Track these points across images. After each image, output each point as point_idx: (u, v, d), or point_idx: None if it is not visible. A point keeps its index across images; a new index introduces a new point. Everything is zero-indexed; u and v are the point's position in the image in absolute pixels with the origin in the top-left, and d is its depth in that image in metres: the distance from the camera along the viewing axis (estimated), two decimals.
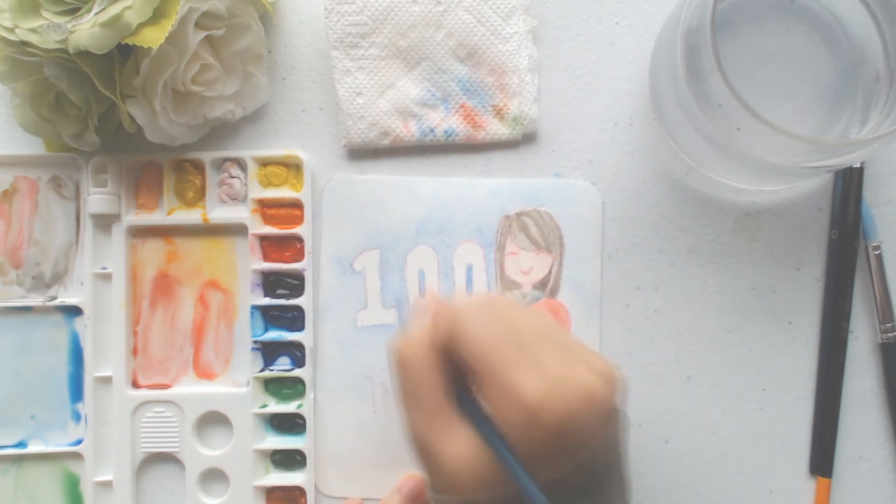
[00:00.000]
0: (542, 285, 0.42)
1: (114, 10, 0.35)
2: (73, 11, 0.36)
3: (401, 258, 0.42)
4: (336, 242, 0.42)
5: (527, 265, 0.42)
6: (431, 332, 0.30)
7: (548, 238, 0.42)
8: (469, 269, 0.42)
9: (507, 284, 0.42)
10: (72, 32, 0.35)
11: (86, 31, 0.34)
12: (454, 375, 0.30)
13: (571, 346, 0.30)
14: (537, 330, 0.29)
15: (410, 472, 0.41)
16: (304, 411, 0.42)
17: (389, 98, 0.42)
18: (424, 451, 0.30)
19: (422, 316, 0.31)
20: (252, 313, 0.42)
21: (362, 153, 0.43)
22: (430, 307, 0.31)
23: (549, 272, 0.42)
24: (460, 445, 0.29)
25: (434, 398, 0.29)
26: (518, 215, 0.42)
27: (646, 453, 0.41)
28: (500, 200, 0.42)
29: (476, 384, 0.29)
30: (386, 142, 0.42)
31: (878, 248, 0.41)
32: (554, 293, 0.42)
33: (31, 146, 0.43)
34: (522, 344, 0.28)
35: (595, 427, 0.28)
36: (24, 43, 0.35)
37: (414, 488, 0.40)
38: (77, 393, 0.43)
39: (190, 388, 0.42)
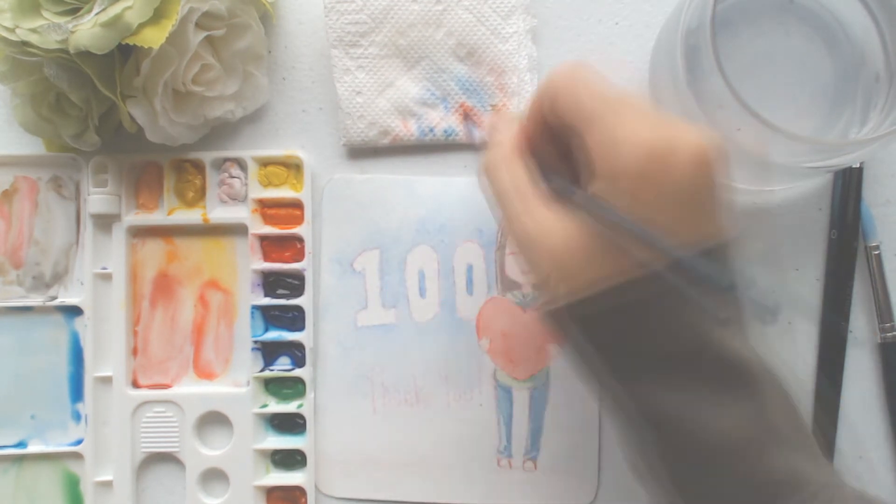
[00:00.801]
0: None
1: (114, 10, 0.35)
2: (73, 11, 0.36)
3: (401, 258, 0.42)
4: (336, 242, 0.42)
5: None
6: (520, 136, 0.32)
7: None
8: (469, 269, 0.42)
9: (508, 285, 0.42)
10: (72, 32, 0.35)
11: (86, 31, 0.34)
12: (546, 171, 0.31)
13: (671, 115, 0.29)
14: (637, 94, 0.29)
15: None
16: (304, 411, 0.42)
17: (389, 97, 0.42)
18: (532, 246, 0.29)
19: (498, 130, 0.33)
20: (252, 313, 0.42)
21: (362, 153, 0.43)
22: (504, 119, 0.33)
23: None
24: (568, 228, 0.28)
25: (531, 190, 0.30)
26: None
27: None
28: None
29: (581, 146, 0.29)
30: (385, 141, 0.42)
31: (877, 248, 0.41)
32: None
33: (31, 146, 0.43)
34: (629, 99, 0.28)
35: (705, 189, 0.27)
36: (25, 43, 0.35)
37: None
38: (77, 393, 0.43)
39: (190, 388, 0.42)
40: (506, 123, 0.33)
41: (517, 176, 0.30)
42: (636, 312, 0.28)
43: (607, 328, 0.28)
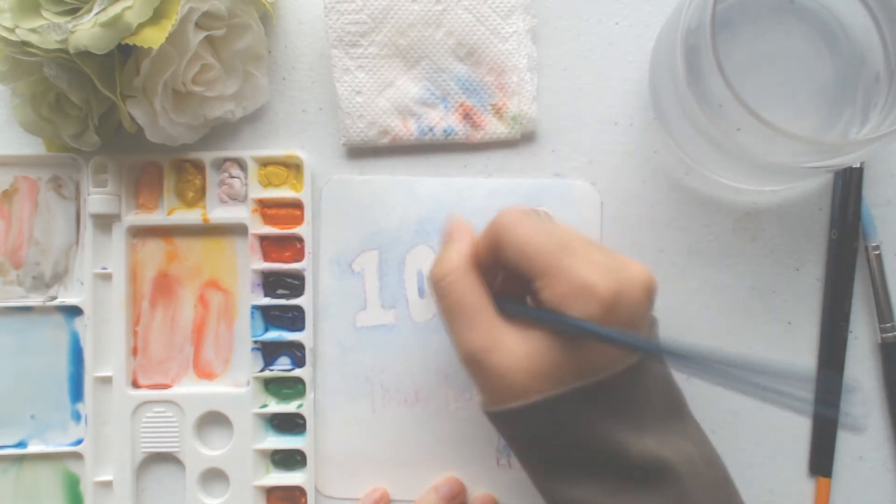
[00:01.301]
0: None
1: (114, 10, 0.35)
2: (73, 11, 0.36)
3: (400, 258, 0.42)
4: (335, 243, 0.42)
5: None
6: (473, 250, 0.33)
7: None
8: None
9: None
10: (72, 32, 0.35)
11: (86, 31, 0.34)
12: (493, 289, 0.33)
13: (609, 250, 0.32)
14: (580, 236, 0.32)
15: (449, 475, 0.41)
16: (304, 411, 0.42)
17: (389, 97, 0.42)
18: (480, 365, 0.31)
19: (453, 241, 0.34)
20: (252, 313, 0.42)
21: (362, 153, 0.43)
22: (460, 230, 0.34)
23: None
24: (515, 348, 0.31)
25: (482, 312, 0.32)
26: None
27: None
28: (500, 200, 0.42)
29: (534, 287, 0.31)
30: (385, 141, 0.42)
31: (877, 248, 0.41)
32: None
33: (31, 146, 0.43)
34: (574, 245, 0.31)
35: (647, 312, 0.31)
36: (25, 43, 0.35)
37: (451, 489, 0.40)
38: (77, 393, 0.43)
39: (190, 388, 0.42)
40: (460, 233, 0.34)
41: (468, 291, 0.32)
42: (556, 424, 0.31)
43: (529, 434, 0.32)
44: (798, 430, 0.41)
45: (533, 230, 0.31)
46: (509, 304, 0.33)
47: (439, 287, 0.33)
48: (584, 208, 0.42)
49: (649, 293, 0.31)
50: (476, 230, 0.34)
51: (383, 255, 0.42)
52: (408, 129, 0.42)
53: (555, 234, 0.31)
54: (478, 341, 0.31)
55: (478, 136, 0.42)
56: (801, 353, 0.41)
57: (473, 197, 0.42)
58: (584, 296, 0.29)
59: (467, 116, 0.42)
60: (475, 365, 0.31)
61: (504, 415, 0.31)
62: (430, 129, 0.42)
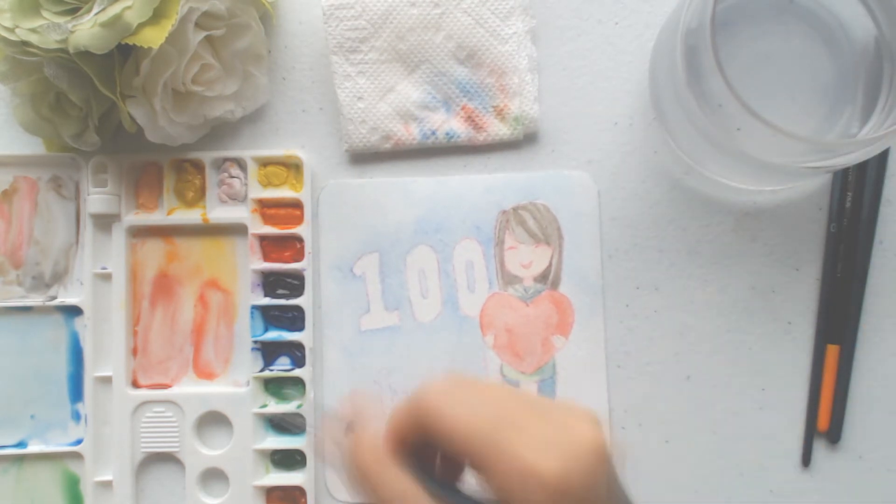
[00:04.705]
0: (542, 278, 0.42)
1: (114, 10, 0.35)
2: (73, 11, 0.36)
3: (400, 260, 0.42)
4: (335, 248, 0.42)
5: (527, 259, 0.42)
6: (390, 432, 0.28)
7: (546, 230, 0.42)
8: (469, 266, 0.42)
9: (509, 279, 0.42)
10: (72, 32, 0.35)
11: (86, 31, 0.34)
12: (419, 469, 0.28)
13: (549, 405, 0.29)
14: (515, 401, 0.28)
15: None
16: (303, 411, 0.42)
17: (390, 101, 0.42)
18: None
19: (362, 426, 0.29)
20: (252, 313, 0.42)
21: (363, 156, 0.43)
22: (365, 412, 0.30)
23: (550, 264, 0.42)
24: None
25: (410, 499, 0.28)
26: (515, 209, 0.42)
27: (646, 453, 0.41)
28: (497, 196, 0.42)
29: (472, 469, 0.28)
30: (388, 145, 0.42)
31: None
32: (555, 285, 0.42)
33: (31, 146, 0.43)
34: (511, 418, 0.27)
35: (610, 476, 0.28)
36: (25, 43, 0.35)
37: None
38: (77, 393, 0.43)
39: (190, 388, 0.42)
40: (367, 415, 0.30)
41: (396, 481, 0.28)
42: None
43: None
44: (798, 429, 0.41)
45: (461, 411, 0.27)
46: (448, 493, 0.28)
47: (363, 478, 0.28)
48: (580, 198, 0.42)
49: (600, 458, 0.27)
50: (385, 405, 0.30)
51: (384, 257, 0.42)
52: (410, 134, 0.42)
53: (487, 410, 0.27)
54: None
55: (480, 138, 0.42)
56: (801, 353, 0.41)
57: (469, 194, 0.42)
58: (528, 484, 0.26)
59: (469, 119, 0.42)
60: None
61: None
62: (433, 133, 0.42)
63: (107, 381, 0.42)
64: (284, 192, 0.42)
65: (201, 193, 0.42)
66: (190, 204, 0.42)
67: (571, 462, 0.26)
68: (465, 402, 0.28)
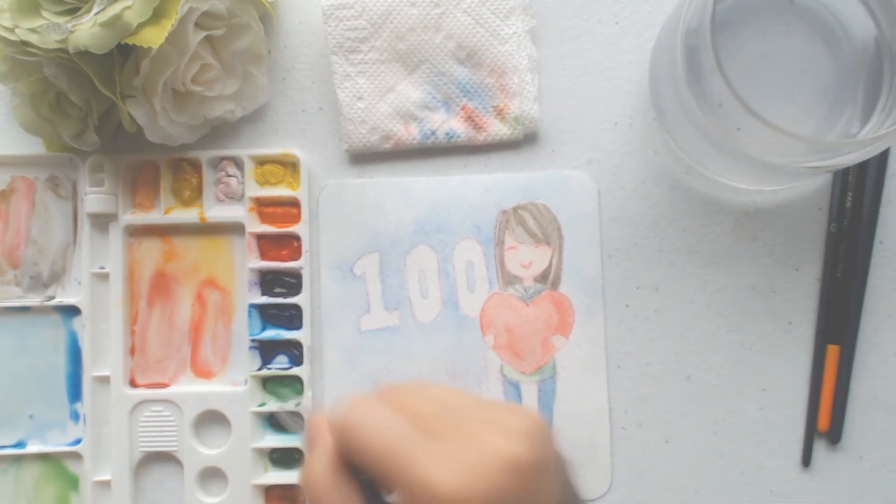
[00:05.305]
0: (543, 278, 0.42)
1: (114, 10, 0.35)
2: (73, 11, 0.36)
3: (400, 260, 0.42)
4: (334, 248, 0.42)
5: (527, 258, 0.42)
6: (331, 453, 0.28)
7: (546, 230, 0.42)
8: (469, 266, 0.42)
9: (509, 279, 0.42)
10: (72, 32, 0.35)
11: (86, 30, 0.34)
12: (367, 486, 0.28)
13: (478, 413, 0.28)
14: (436, 409, 0.28)
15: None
16: (302, 409, 0.41)
17: (390, 102, 0.42)
18: None
19: (314, 446, 0.29)
20: (250, 312, 0.42)
21: (363, 156, 0.43)
22: (319, 433, 0.29)
23: (550, 264, 0.42)
24: None
25: None
26: (515, 209, 0.42)
27: (646, 453, 0.41)
28: (496, 196, 0.42)
29: (386, 490, 0.28)
30: (387, 145, 0.42)
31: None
32: (555, 285, 0.42)
33: (31, 146, 0.43)
34: (422, 430, 0.27)
35: (532, 490, 0.26)
36: (24, 43, 0.35)
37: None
38: (75, 392, 0.42)
39: (188, 387, 0.42)
40: (319, 437, 0.30)
41: (339, 501, 0.27)
42: None
43: None
44: (798, 429, 0.41)
45: (375, 431, 0.27)
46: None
47: (307, 496, 0.29)
48: (580, 198, 0.42)
49: (516, 472, 0.26)
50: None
51: (383, 257, 0.42)
52: (410, 134, 0.42)
53: (397, 426, 0.27)
54: None
55: (480, 137, 0.42)
56: (801, 353, 0.41)
57: (469, 194, 0.42)
58: (422, 500, 0.25)
59: (469, 119, 0.42)
60: None
61: None
62: (433, 133, 0.42)
63: (105, 380, 0.42)
64: (281, 191, 0.42)
65: (198, 192, 0.42)
66: (187, 203, 0.42)
67: (472, 477, 0.25)
68: (375, 417, 0.27)
